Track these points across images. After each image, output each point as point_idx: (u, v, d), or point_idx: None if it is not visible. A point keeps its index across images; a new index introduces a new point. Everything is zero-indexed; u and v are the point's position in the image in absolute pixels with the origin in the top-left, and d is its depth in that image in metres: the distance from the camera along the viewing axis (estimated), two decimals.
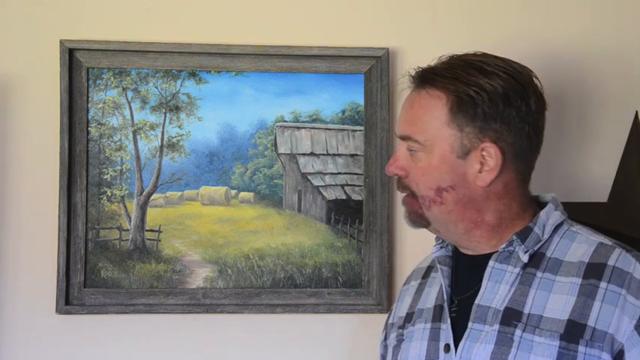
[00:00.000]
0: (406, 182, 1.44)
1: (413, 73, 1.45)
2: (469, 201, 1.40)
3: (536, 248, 1.39)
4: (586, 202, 1.87)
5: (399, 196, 1.86)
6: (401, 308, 1.58)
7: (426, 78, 1.42)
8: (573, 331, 1.29)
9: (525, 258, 1.37)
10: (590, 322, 1.29)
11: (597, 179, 1.89)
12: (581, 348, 1.28)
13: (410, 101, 1.45)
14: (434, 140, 1.39)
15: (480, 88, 1.38)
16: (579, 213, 1.77)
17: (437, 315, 1.45)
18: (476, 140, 1.38)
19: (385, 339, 1.62)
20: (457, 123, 1.38)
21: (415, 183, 1.42)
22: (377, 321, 1.79)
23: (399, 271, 1.87)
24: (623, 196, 1.84)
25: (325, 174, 1.89)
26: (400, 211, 1.87)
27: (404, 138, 1.43)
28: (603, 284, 1.31)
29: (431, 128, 1.39)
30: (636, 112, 1.88)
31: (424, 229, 1.53)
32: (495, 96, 1.38)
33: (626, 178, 1.85)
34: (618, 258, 1.33)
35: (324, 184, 1.89)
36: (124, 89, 1.85)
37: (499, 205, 1.42)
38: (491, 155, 1.38)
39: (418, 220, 1.45)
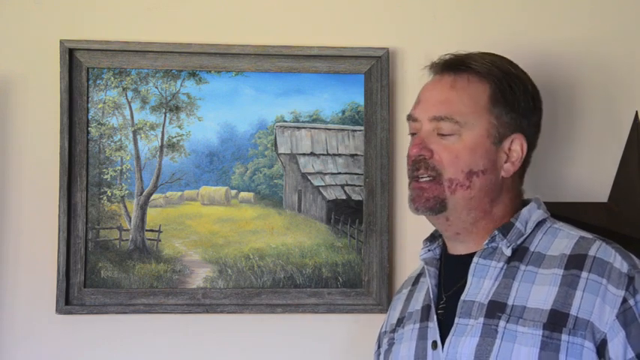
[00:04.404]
0: (432, 163, 1.41)
1: (437, 60, 1.48)
2: (490, 189, 1.43)
3: (519, 242, 1.41)
4: (586, 202, 1.87)
5: (399, 196, 1.88)
6: (393, 315, 1.60)
7: (464, 64, 1.45)
8: (556, 320, 1.31)
9: (508, 252, 1.39)
10: (573, 311, 1.31)
11: (597, 179, 1.88)
12: (564, 337, 1.30)
13: (445, 84, 1.45)
14: (473, 123, 1.41)
15: (520, 81, 1.46)
16: (579, 213, 1.78)
17: (424, 315, 1.47)
18: (509, 130, 1.44)
19: (379, 347, 1.64)
20: (497, 110, 1.43)
21: (445, 164, 1.41)
22: (377, 321, 1.79)
23: (399, 271, 1.87)
24: (623, 196, 1.84)
25: (325, 174, 1.89)
26: (401, 210, 1.87)
27: (438, 119, 1.42)
28: (584, 274, 1.33)
29: (471, 111, 1.42)
30: (636, 112, 1.88)
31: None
32: (530, 91, 1.47)
33: (626, 178, 1.85)
34: (599, 249, 1.36)
35: (324, 184, 1.89)
36: (124, 89, 1.85)
37: (506, 199, 1.46)
38: (518, 147, 1.45)
39: (436, 205, 1.42)
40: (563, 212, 1.70)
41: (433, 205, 1.42)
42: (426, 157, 1.41)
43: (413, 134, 1.48)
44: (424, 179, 1.42)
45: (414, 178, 1.44)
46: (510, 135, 1.44)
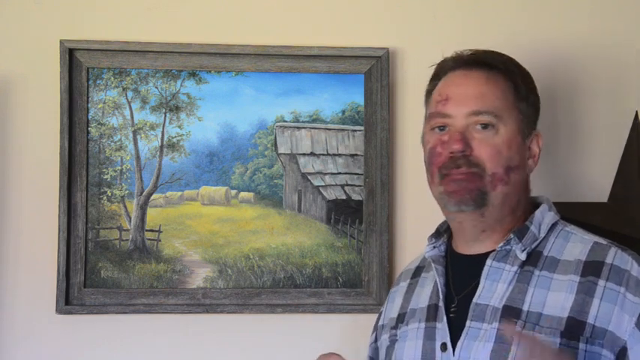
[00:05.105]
0: (474, 159, 1.39)
1: (455, 55, 1.48)
2: (520, 187, 1.44)
3: (533, 246, 1.40)
4: (586, 202, 1.86)
5: (399, 195, 1.88)
6: (392, 309, 1.57)
7: (486, 63, 1.45)
8: (573, 329, 1.29)
9: (523, 256, 1.37)
10: (590, 320, 1.30)
11: (597, 179, 1.89)
12: (581, 345, 1.29)
13: (478, 79, 1.43)
14: (507, 118, 1.41)
15: (530, 80, 1.48)
16: (579, 213, 1.78)
17: (431, 314, 1.44)
18: (531, 127, 1.46)
19: (375, 341, 1.62)
20: (521, 107, 1.44)
21: (485, 159, 1.39)
22: None
23: (398, 272, 1.86)
24: (623, 196, 1.84)
25: (325, 174, 1.89)
26: (401, 210, 1.88)
27: (477, 113, 1.40)
28: (602, 282, 1.32)
29: (504, 106, 1.42)
30: (636, 112, 1.88)
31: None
32: (536, 90, 1.49)
33: (626, 178, 1.85)
34: (615, 256, 1.35)
35: (324, 184, 1.89)
36: (124, 89, 1.85)
37: (525, 197, 1.46)
38: (537, 144, 1.46)
39: (479, 199, 1.39)
40: (564, 212, 1.70)
41: (476, 197, 1.38)
42: (467, 154, 1.39)
43: (440, 128, 1.43)
44: (469, 172, 1.39)
45: (449, 173, 1.40)
46: (531, 132, 1.46)
